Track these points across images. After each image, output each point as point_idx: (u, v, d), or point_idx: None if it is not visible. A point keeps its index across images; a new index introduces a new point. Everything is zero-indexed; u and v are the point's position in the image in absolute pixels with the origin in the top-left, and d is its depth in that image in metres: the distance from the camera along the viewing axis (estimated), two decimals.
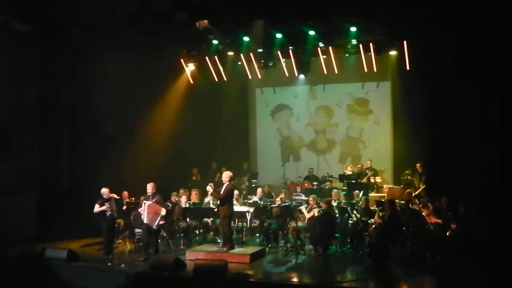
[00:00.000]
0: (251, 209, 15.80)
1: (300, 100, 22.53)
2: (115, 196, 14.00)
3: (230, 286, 11.58)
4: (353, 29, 17.24)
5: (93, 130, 17.62)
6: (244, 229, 15.68)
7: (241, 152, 22.12)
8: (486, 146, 15.19)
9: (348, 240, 14.73)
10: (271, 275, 12.50)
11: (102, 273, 12.83)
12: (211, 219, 15.94)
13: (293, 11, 16.54)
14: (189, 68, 20.29)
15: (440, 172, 16.31)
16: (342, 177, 19.16)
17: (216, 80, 20.24)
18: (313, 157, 22.27)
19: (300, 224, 15.02)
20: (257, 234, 16.49)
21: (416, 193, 16.57)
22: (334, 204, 15.42)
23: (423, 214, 13.81)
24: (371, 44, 17.67)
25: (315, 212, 14.80)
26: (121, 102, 17.75)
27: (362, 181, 18.30)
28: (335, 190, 16.99)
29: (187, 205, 16.61)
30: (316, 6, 16.00)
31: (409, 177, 17.74)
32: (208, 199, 16.44)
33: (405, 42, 17.12)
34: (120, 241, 15.90)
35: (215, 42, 18.73)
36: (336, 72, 19.23)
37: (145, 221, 13.79)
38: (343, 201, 15.92)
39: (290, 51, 18.75)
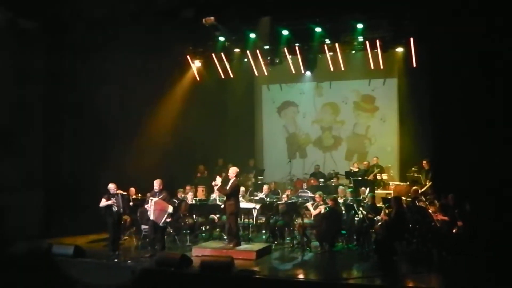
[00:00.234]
0: (257, 206, 15.81)
1: (306, 97, 22.53)
2: (121, 192, 14.03)
3: (236, 283, 11.57)
4: (359, 26, 17.25)
5: (97, 127, 17.62)
6: (250, 225, 15.69)
7: (247, 149, 22.14)
8: (493, 143, 15.14)
9: (354, 237, 14.71)
10: (277, 271, 12.50)
11: (108, 269, 12.87)
12: (218, 215, 15.95)
13: (300, 8, 16.53)
14: (195, 65, 20.33)
15: (447, 169, 16.26)
16: (348, 174, 19.16)
17: (223, 77, 20.29)
18: (320, 154, 22.28)
19: (306, 221, 15.00)
20: (263, 231, 16.50)
21: (423, 190, 16.55)
22: (341, 201, 15.41)
23: (430, 211, 13.78)
24: (377, 41, 17.69)
25: (321, 209, 14.79)
26: (126, 99, 17.80)
27: (369, 178, 18.30)
28: (341, 187, 17.02)
29: (194, 202, 16.62)
30: (322, 3, 16.01)
31: (415, 174, 17.74)
32: (215, 195, 16.44)
33: (411, 39, 17.10)
34: (127, 237, 15.92)
35: (221, 39, 18.77)
36: (343, 69, 19.25)
37: (151, 218, 13.80)
38: (349, 198, 15.91)
39: (297, 48, 18.76)
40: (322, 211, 14.74)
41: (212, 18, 16.95)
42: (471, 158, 15.13)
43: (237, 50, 19.52)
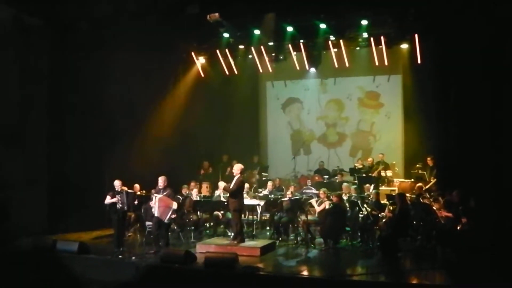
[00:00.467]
0: (262, 202, 15.82)
1: (311, 94, 22.49)
2: (125, 189, 14.05)
3: (240, 279, 11.58)
4: (364, 22, 17.24)
5: (101, 124, 17.65)
6: (255, 222, 15.72)
7: (251, 145, 22.11)
8: (498, 140, 15.10)
9: (359, 234, 14.70)
10: (282, 268, 12.51)
11: (113, 265, 12.91)
12: (222, 212, 15.97)
13: (304, 4, 16.52)
14: (200, 61, 20.34)
15: (451, 166, 16.24)
16: (353, 171, 19.12)
17: (227, 73, 20.30)
18: (324, 150, 22.24)
19: (310, 217, 15.00)
20: (268, 228, 16.51)
21: (427, 187, 16.53)
22: (345, 197, 15.39)
23: (434, 208, 13.76)
24: (382, 37, 17.66)
25: (326, 205, 14.79)
26: (130, 96, 17.81)
27: (373, 175, 18.27)
28: (345, 183, 16.98)
29: (198, 198, 16.64)
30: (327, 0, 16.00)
31: (420, 171, 17.70)
32: (219, 192, 16.48)
33: (416, 35, 17.07)
34: (131, 234, 15.95)
35: (226, 35, 18.76)
36: (347, 65, 19.24)
37: (156, 215, 13.82)
38: (353, 194, 15.90)
39: (301, 44, 18.76)
40: (327, 207, 14.72)
41: (217, 14, 16.94)
42: (475, 155, 15.09)
43: (241, 46, 19.53)
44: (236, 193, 13.95)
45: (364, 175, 18.23)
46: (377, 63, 18.76)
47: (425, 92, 18.43)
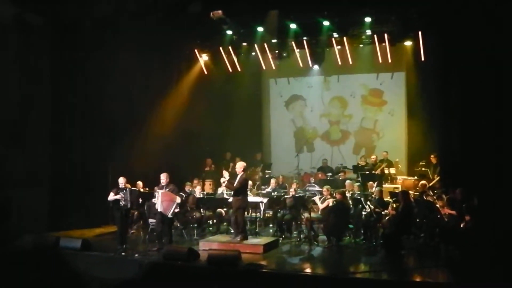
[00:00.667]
0: (265, 200, 15.81)
1: (314, 91, 22.49)
2: (129, 186, 14.05)
3: (243, 276, 11.58)
4: (367, 19, 17.23)
5: (104, 122, 17.66)
6: (258, 219, 15.70)
7: (254, 143, 22.11)
8: (501, 137, 15.07)
9: (362, 231, 14.70)
10: (285, 265, 12.50)
11: (116, 262, 12.91)
12: (225, 209, 15.97)
13: (308, 2, 16.50)
14: (203, 59, 20.33)
15: (455, 163, 16.21)
16: (356, 168, 19.11)
17: (230, 70, 20.30)
18: (327, 148, 22.25)
19: (313, 215, 15.00)
20: (271, 225, 16.52)
21: (430, 184, 16.52)
22: (348, 195, 15.38)
23: (437, 205, 13.75)
24: (385, 35, 17.64)
25: (329, 202, 14.77)
26: (133, 94, 17.82)
27: (376, 172, 18.26)
28: (348, 181, 16.97)
29: (201, 196, 16.64)
30: None
31: (423, 169, 17.70)
32: (222, 189, 16.47)
33: (419, 32, 17.04)
34: (134, 231, 15.96)
35: (229, 32, 18.77)
36: (351, 62, 19.26)
37: (159, 210, 13.79)
38: (357, 192, 15.88)
39: (305, 41, 18.75)
40: (330, 205, 14.71)
41: (220, 11, 16.95)
42: (479, 153, 15.06)
43: (244, 43, 19.53)
44: (240, 191, 13.94)
45: (367, 172, 18.23)
46: (380, 61, 18.75)
47: (428, 89, 18.38)
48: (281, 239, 14.91)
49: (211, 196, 16.90)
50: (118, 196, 13.73)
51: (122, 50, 16.81)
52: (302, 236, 14.87)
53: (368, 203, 14.65)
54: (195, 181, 17.53)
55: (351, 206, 14.84)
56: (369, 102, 21.76)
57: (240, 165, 14.32)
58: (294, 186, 16.70)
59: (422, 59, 17.58)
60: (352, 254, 13.75)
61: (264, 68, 20.48)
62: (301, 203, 15.17)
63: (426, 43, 17.16)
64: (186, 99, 20.10)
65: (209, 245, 13.67)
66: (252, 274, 11.54)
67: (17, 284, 12.25)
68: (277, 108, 23.13)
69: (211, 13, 16.96)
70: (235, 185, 13.97)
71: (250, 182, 15.97)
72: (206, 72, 20.52)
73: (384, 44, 18.10)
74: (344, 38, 18.38)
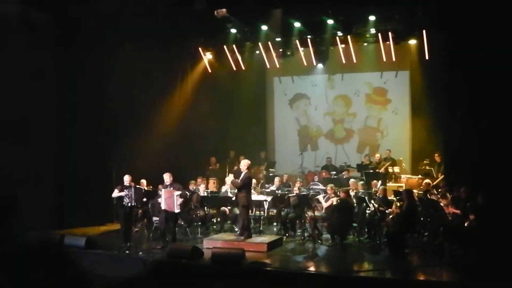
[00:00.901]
0: (269, 198, 15.83)
1: (318, 89, 22.46)
2: (134, 184, 14.06)
3: (247, 275, 11.59)
4: (372, 18, 17.19)
5: (108, 120, 17.68)
6: (262, 218, 15.73)
7: (258, 141, 22.09)
8: (506, 136, 15.04)
9: (366, 230, 14.69)
10: (288, 264, 12.52)
11: (120, 260, 12.93)
12: (229, 207, 15.99)
13: (312, 0, 16.48)
14: (207, 57, 20.34)
15: (459, 162, 16.19)
16: (360, 167, 19.11)
17: (234, 69, 20.30)
18: (331, 146, 22.23)
19: (317, 213, 15.00)
20: (275, 223, 16.54)
21: (434, 183, 16.50)
22: (352, 193, 15.37)
23: (441, 204, 13.73)
24: (390, 33, 17.61)
25: (333, 201, 14.77)
26: (137, 92, 17.83)
27: (380, 171, 18.25)
28: (352, 179, 16.95)
29: (205, 194, 16.66)
30: None
31: (427, 167, 17.69)
32: (226, 187, 16.50)
33: (424, 31, 17.01)
34: (138, 229, 15.98)
35: (233, 31, 18.75)
36: (355, 61, 19.24)
37: (164, 208, 13.83)
38: (361, 190, 15.87)
39: (309, 40, 18.74)
40: (334, 203, 14.71)
41: (224, 10, 16.94)
42: (483, 151, 15.05)
43: (248, 42, 19.52)
44: (244, 189, 13.95)
45: (371, 171, 18.24)
46: (384, 59, 18.74)
47: (432, 88, 18.37)
48: (285, 237, 14.92)
49: (215, 195, 16.92)
50: (122, 193, 13.73)
51: (126, 48, 16.81)
52: (306, 234, 14.86)
53: (372, 201, 14.65)
54: (199, 180, 17.54)
55: (355, 204, 14.82)
56: (373, 101, 21.74)
57: (244, 163, 14.33)
58: (298, 184, 16.67)
59: (427, 57, 17.54)
60: (356, 253, 13.76)
61: (268, 66, 20.49)
62: (305, 202, 15.16)
63: (431, 42, 17.12)
64: (190, 97, 20.14)
65: (213, 243, 13.68)
66: (256, 273, 11.56)
67: (21, 282, 12.26)
68: (281, 107, 23.11)
69: (215, 12, 16.96)
70: (238, 182, 13.99)
71: (254, 181, 15.97)
72: (210, 71, 20.53)
73: (388, 42, 18.08)
74: (348, 37, 18.36)
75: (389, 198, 15.04)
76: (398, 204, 14.20)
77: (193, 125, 19.72)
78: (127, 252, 13.32)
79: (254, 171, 18.50)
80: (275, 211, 16.23)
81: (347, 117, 22.14)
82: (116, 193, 13.87)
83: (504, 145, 14.73)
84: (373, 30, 17.89)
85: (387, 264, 12.40)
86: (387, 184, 17.01)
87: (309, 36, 18.62)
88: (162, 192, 13.89)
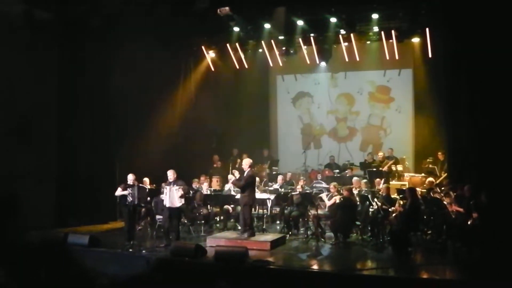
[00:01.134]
0: (272, 196, 15.83)
1: (321, 88, 22.44)
2: (138, 183, 14.06)
3: (251, 273, 11.59)
4: (375, 16, 17.18)
5: (111, 118, 17.70)
6: (265, 216, 15.72)
7: (261, 139, 22.10)
8: (508, 134, 15.02)
9: (369, 228, 14.66)
10: (292, 262, 12.48)
11: (123, 258, 12.96)
12: (232, 206, 15.99)
13: None
14: (210, 55, 20.35)
15: (462, 160, 16.17)
16: (363, 165, 19.10)
17: (237, 67, 20.33)
18: (334, 144, 22.21)
19: (320, 211, 15.01)
20: (278, 222, 16.54)
21: (438, 181, 16.49)
22: (355, 192, 15.36)
23: (445, 202, 13.72)
24: (393, 31, 17.60)
25: (336, 199, 14.76)
26: (140, 90, 17.83)
27: (383, 169, 18.24)
28: (356, 178, 16.93)
29: (208, 192, 16.66)
30: None
31: (430, 166, 17.67)
32: (229, 186, 16.50)
33: (427, 29, 16.99)
34: (141, 227, 15.99)
35: (236, 29, 18.73)
36: (358, 59, 19.25)
37: (167, 205, 13.83)
38: (364, 189, 15.85)
39: (312, 38, 18.72)
40: (337, 201, 14.70)
41: (227, 8, 16.93)
42: (486, 149, 15.02)
43: (251, 40, 19.52)
44: (247, 187, 13.94)
45: (374, 169, 18.21)
46: (388, 57, 18.73)
47: (436, 86, 18.32)
48: (288, 235, 14.91)
49: (218, 193, 16.92)
50: (125, 192, 13.74)
51: (129, 48, 16.83)
52: (309, 232, 14.84)
53: (375, 200, 14.61)
54: (202, 178, 17.55)
55: (358, 203, 14.80)
56: (376, 99, 21.71)
57: (246, 162, 14.33)
58: (301, 182, 16.66)
59: (430, 55, 17.54)
60: (359, 251, 13.72)
61: (271, 64, 20.50)
62: (308, 200, 15.15)
63: (434, 40, 17.11)
64: (193, 95, 20.15)
65: (216, 241, 13.66)
66: (259, 271, 11.55)
67: (24, 280, 12.27)
68: (284, 105, 23.09)
69: (218, 10, 16.94)
70: (241, 182, 13.99)
71: (257, 179, 15.97)
72: (213, 69, 20.55)
73: (391, 40, 18.08)
74: (351, 35, 18.35)
75: (392, 196, 15.03)
76: (401, 202, 14.21)
77: (196, 123, 19.74)
78: (130, 250, 13.32)
79: (257, 169, 18.52)
80: (278, 209, 16.22)
81: (350, 115, 22.11)
82: (119, 192, 13.88)
83: (507, 143, 14.70)
84: (376, 28, 17.89)
85: (390, 262, 12.38)
86: (390, 182, 17.02)
87: (312, 34, 18.60)
88: (167, 189, 13.88)
